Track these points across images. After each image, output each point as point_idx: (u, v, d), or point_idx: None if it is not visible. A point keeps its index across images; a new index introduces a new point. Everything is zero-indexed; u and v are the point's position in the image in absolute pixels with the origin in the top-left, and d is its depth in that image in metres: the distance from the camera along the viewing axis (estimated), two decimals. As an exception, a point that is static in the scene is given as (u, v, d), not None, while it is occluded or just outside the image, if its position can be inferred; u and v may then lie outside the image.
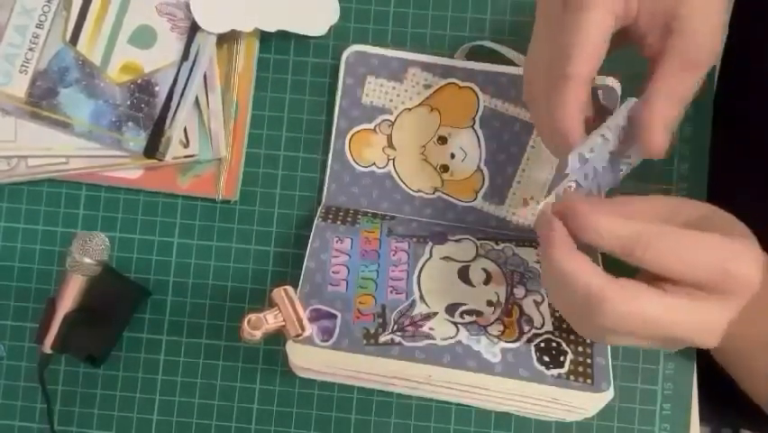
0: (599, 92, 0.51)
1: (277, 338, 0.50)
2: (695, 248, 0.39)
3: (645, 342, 0.42)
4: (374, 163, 0.57)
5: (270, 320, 0.48)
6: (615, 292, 0.39)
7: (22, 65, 0.57)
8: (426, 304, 0.51)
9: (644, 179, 0.56)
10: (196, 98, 0.57)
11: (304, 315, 0.49)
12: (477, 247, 0.54)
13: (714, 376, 0.54)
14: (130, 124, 0.57)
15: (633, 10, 0.43)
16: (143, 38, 0.57)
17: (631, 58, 0.57)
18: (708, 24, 0.42)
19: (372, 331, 0.50)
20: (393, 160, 0.57)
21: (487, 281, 0.52)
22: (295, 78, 0.59)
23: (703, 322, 0.40)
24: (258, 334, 0.47)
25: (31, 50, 0.57)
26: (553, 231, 0.41)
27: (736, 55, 0.62)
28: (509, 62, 0.57)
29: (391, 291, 0.51)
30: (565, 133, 0.42)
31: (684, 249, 0.39)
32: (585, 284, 0.39)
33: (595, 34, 0.42)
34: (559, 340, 0.50)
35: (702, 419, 0.55)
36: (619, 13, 0.43)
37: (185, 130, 0.57)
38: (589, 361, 0.49)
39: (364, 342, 0.49)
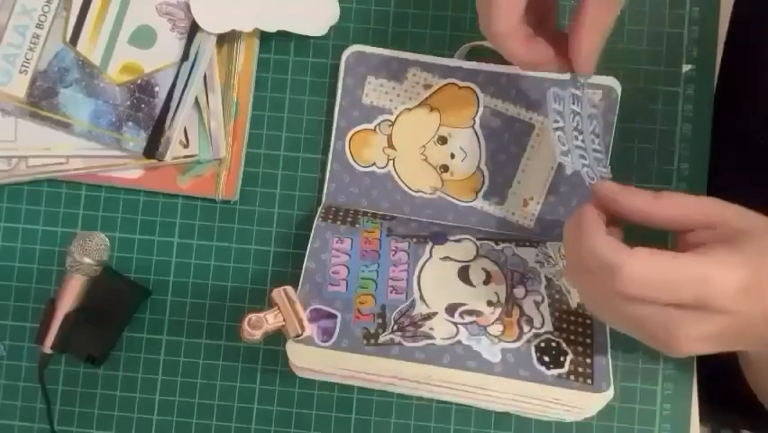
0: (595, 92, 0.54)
1: (277, 338, 0.50)
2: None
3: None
4: (374, 163, 0.57)
5: (270, 320, 0.48)
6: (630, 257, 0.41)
7: (23, 65, 0.57)
8: (426, 304, 0.51)
9: (644, 179, 0.57)
10: (196, 98, 0.57)
11: (304, 315, 0.49)
12: (477, 247, 0.54)
13: (714, 376, 0.54)
14: (130, 124, 0.57)
15: None
16: (143, 38, 0.57)
17: (631, 57, 0.58)
18: None
19: (372, 331, 0.50)
20: (393, 160, 0.57)
21: (487, 281, 0.52)
22: (295, 78, 0.59)
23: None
24: (258, 334, 0.47)
25: (31, 50, 0.57)
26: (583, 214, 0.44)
27: (736, 55, 0.61)
28: (509, 62, 0.57)
29: (391, 291, 0.51)
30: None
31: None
32: (603, 254, 0.41)
33: None
34: (559, 340, 0.50)
35: (702, 419, 0.55)
36: None
37: (185, 130, 0.57)
38: (588, 361, 0.49)
39: (364, 342, 0.49)
